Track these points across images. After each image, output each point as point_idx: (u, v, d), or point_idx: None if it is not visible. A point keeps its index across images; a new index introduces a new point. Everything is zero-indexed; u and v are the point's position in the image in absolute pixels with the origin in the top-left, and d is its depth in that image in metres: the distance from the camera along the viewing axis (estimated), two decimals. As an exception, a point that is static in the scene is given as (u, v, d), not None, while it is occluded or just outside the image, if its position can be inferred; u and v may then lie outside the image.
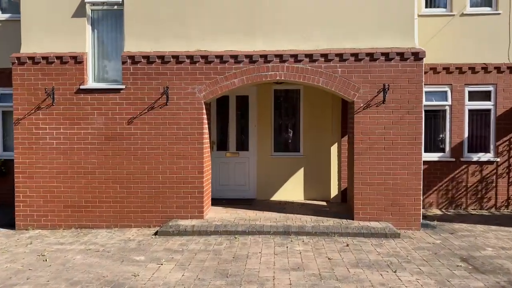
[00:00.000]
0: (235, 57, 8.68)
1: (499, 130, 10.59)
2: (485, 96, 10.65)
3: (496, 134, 10.60)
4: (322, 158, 11.03)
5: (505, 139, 10.60)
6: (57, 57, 8.83)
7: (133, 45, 8.82)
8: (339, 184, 10.88)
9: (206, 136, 9.03)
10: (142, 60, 8.77)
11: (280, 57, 8.66)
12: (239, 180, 11.23)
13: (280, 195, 11.17)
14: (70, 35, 8.86)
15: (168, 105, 8.77)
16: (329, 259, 6.75)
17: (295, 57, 8.65)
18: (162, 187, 8.81)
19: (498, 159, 10.60)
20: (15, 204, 8.90)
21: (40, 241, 8.00)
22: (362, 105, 8.63)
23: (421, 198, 8.68)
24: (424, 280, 5.88)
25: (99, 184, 8.84)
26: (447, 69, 10.53)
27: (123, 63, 8.81)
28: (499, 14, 10.40)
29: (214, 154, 11.02)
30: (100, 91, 8.84)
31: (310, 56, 8.63)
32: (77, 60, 8.83)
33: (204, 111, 8.83)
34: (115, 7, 8.97)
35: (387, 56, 8.56)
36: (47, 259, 6.84)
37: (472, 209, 10.63)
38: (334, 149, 10.93)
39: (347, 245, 7.48)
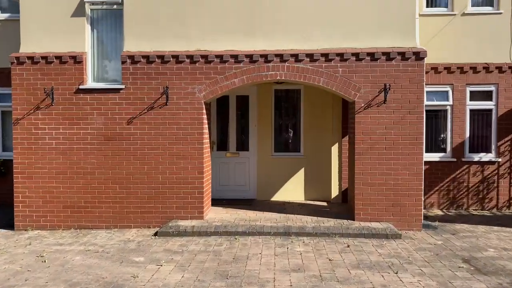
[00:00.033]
0: (235, 56, 8.64)
1: (500, 130, 10.55)
2: (487, 96, 10.61)
3: (497, 134, 10.57)
4: (323, 158, 10.99)
5: (506, 139, 10.56)
6: (56, 57, 8.79)
7: (132, 44, 8.78)
8: (340, 185, 10.83)
9: (206, 136, 8.99)
10: (141, 59, 8.73)
11: (281, 56, 8.62)
12: (239, 180, 11.19)
13: (280, 196, 11.13)
14: (69, 35, 8.83)
15: (168, 105, 8.73)
16: (330, 260, 6.71)
17: (296, 56, 8.61)
18: (162, 188, 8.77)
19: (500, 160, 10.56)
20: (14, 204, 8.86)
21: (39, 241, 7.96)
22: (363, 105, 8.59)
23: (422, 199, 8.63)
24: (425, 281, 5.84)
25: (98, 185, 8.81)
26: (448, 68, 10.49)
27: (123, 62, 8.78)
28: (500, 13, 10.37)
29: (214, 154, 10.98)
30: (100, 91, 8.81)
31: (310, 56, 8.59)
32: (77, 60, 8.80)
33: (204, 111, 8.80)
34: (115, 6, 8.94)
35: (388, 55, 8.52)
36: (46, 260, 6.81)
37: (473, 210, 10.59)
38: (334, 149, 10.89)
39: (348, 246, 7.44)
